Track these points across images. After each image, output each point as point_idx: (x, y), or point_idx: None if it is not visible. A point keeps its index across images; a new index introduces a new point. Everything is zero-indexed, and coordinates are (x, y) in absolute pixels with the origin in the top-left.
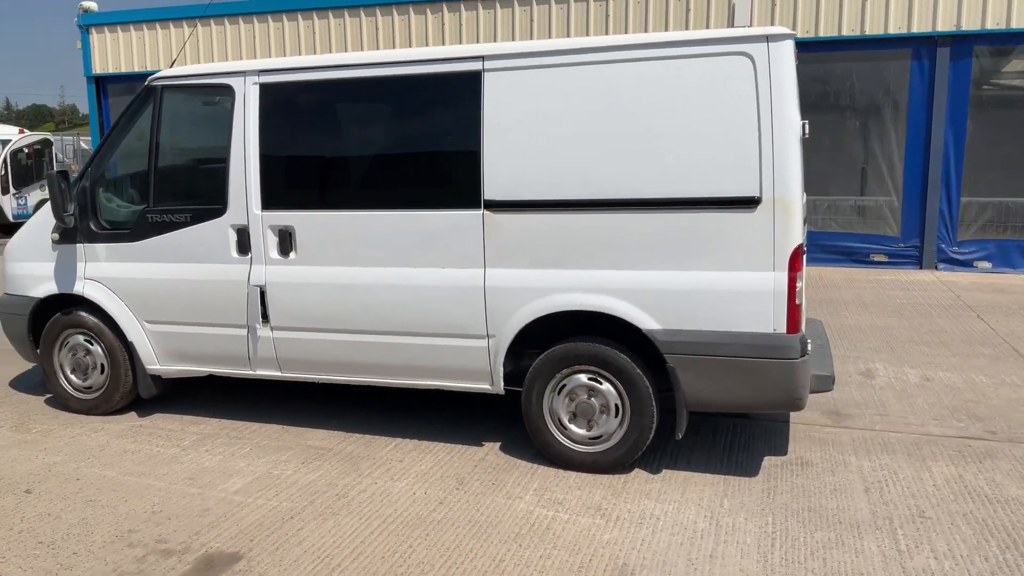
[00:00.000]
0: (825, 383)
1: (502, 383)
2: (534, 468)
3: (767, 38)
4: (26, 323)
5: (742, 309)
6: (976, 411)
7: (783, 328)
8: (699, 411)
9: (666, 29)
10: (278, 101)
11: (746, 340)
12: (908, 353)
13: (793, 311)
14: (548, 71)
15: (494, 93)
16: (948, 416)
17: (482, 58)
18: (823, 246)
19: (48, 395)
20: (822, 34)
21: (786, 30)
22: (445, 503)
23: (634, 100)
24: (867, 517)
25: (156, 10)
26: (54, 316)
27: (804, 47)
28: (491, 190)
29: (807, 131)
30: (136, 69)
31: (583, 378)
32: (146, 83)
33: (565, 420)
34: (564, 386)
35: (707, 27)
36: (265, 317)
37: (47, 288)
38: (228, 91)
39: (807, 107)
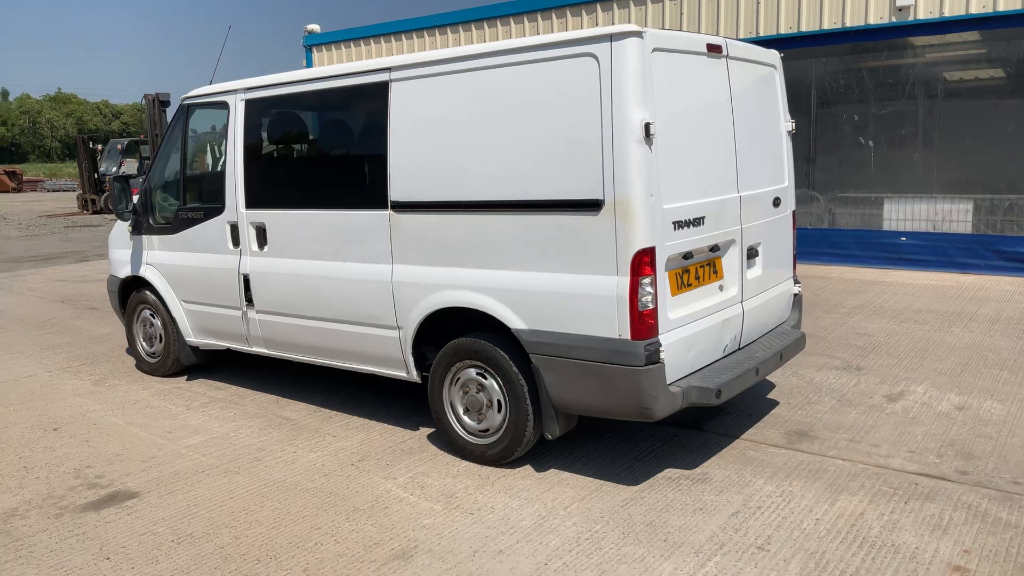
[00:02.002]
0: (706, 396)
1: (415, 372)
2: (436, 455)
3: (610, 37)
4: (117, 298)
5: (591, 313)
6: (976, 448)
7: (627, 334)
8: (569, 412)
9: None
10: (253, 115)
11: (594, 344)
12: (977, 377)
13: (636, 317)
14: (436, 79)
15: (398, 102)
16: (933, 450)
17: (389, 69)
18: (999, 252)
19: None
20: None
21: (633, 27)
22: (330, 475)
23: (498, 105)
24: (700, 540)
25: (371, 27)
26: (132, 293)
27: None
28: (395, 192)
29: (792, 128)
30: None
31: (472, 372)
32: (180, 100)
33: (460, 412)
34: (458, 379)
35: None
36: (250, 301)
37: (126, 270)
38: (225, 107)
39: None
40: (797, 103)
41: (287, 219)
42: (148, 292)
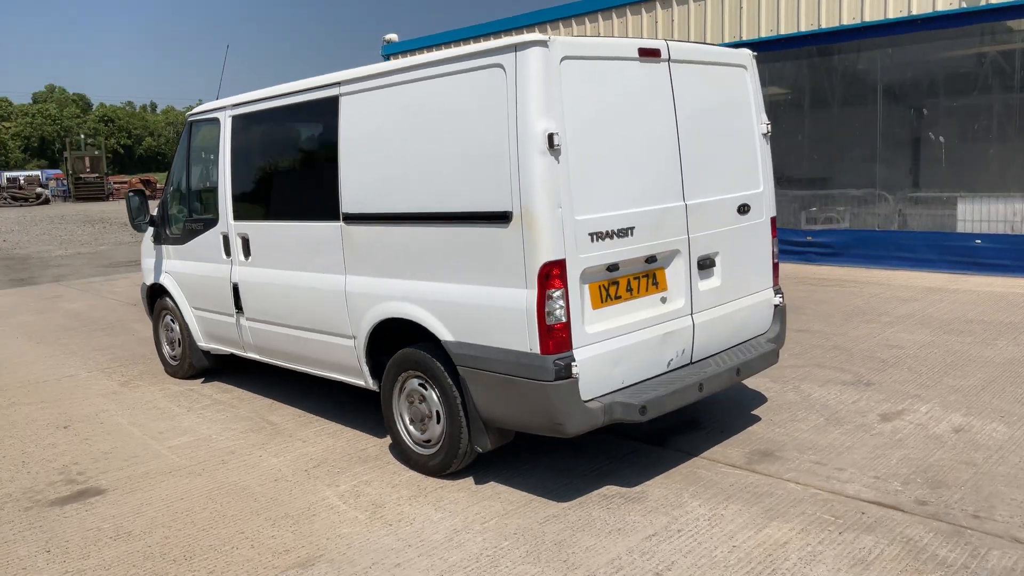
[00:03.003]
0: (630, 412)
1: (371, 380)
2: (388, 464)
3: (515, 47)
4: (146, 304)
5: (506, 326)
6: (951, 476)
7: (536, 348)
8: (496, 426)
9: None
10: (238, 130)
11: (510, 358)
12: (996, 397)
13: (545, 331)
14: (376, 93)
15: (346, 115)
16: (902, 476)
17: (339, 84)
18: None
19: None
20: None
21: (539, 37)
22: (280, 481)
23: (423, 117)
24: (600, 563)
25: (448, 33)
26: (157, 300)
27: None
28: (345, 204)
29: (768, 130)
30: None
31: (415, 383)
32: (186, 117)
33: (407, 421)
34: (405, 389)
35: None
36: (240, 308)
37: (151, 278)
38: (217, 123)
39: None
40: (863, 96)
41: (266, 230)
42: (168, 299)
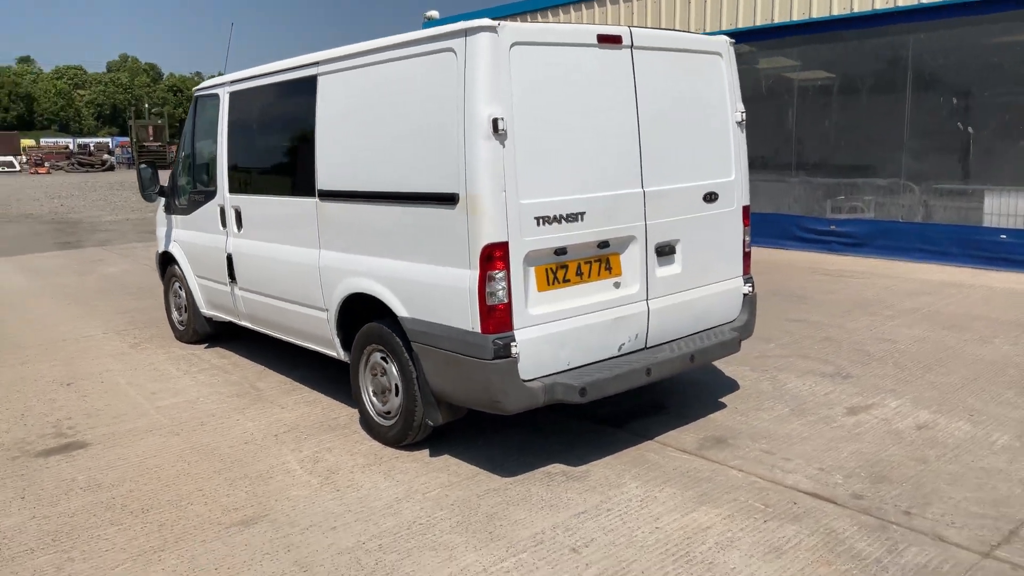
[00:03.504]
0: (571, 393)
1: (341, 351)
2: (354, 433)
3: (465, 32)
4: (158, 270)
5: (452, 304)
6: (897, 472)
7: (477, 327)
8: (445, 401)
9: None
10: (235, 106)
11: (455, 335)
12: (972, 395)
13: (485, 311)
14: (348, 73)
15: (323, 94)
16: (848, 470)
17: (318, 63)
18: None
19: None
20: None
21: (489, 23)
22: (249, 444)
23: (385, 99)
24: (523, 536)
25: (488, 11)
26: (167, 267)
27: None
28: (321, 180)
29: (742, 118)
30: None
31: (378, 356)
32: (192, 92)
33: (371, 393)
34: (369, 362)
35: None
36: (233, 278)
37: (162, 246)
38: (217, 99)
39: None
40: (892, 83)
41: (255, 204)
42: (176, 266)
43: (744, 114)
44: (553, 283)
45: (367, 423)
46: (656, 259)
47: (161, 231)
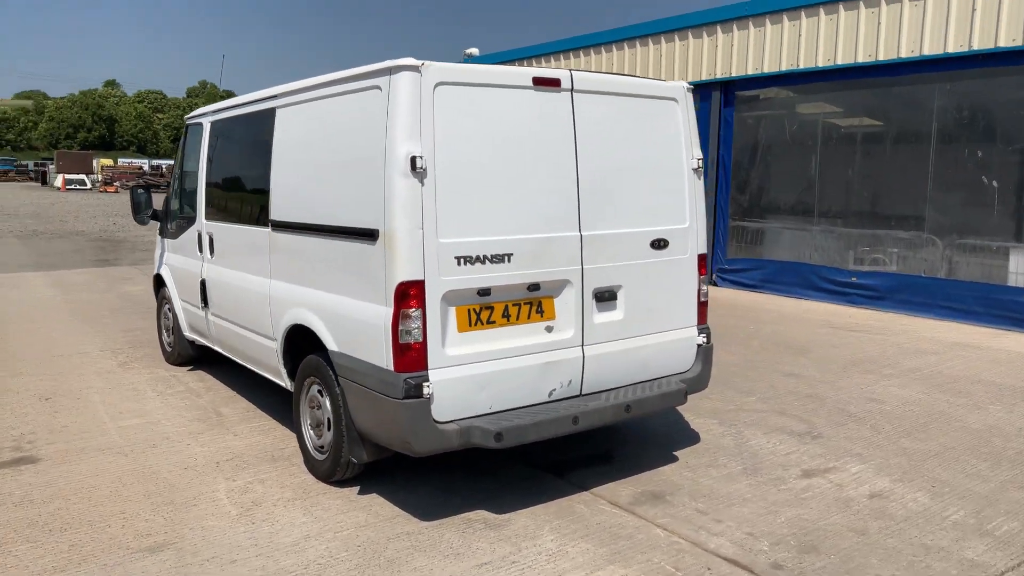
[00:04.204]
0: (486, 438)
1: (287, 381)
2: (293, 465)
3: (390, 71)
4: (154, 292)
5: (370, 340)
6: (831, 543)
7: (391, 365)
8: (368, 438)
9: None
10: (213, 136)
11: (372, 372)
12: (943, 465)
13: (398, 349)
14: (297, 107)
15: (280, 126)
16: (778, 537)
17: (276, 96)
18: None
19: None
20: None
21: (411, 62)
22: (188, 470)
23: (324, 133)
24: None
25: (525, 49)
26: (160, 288)
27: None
28: (273, 211)
29: (698, 165)
30: None
31: (315, 389)
32: (184, 120)
33: (309, 425)
34: (309, 394)
35: None
36: (206, 302)
37: (155, 268)
38: (201, 127)
39: None
40: (916, 133)
41: (224, 231)
42: (166, 288)
43: (701, 161)
44: (476, 324)
45: (304, 455)
46: (595, 304)
47: (156, 253)
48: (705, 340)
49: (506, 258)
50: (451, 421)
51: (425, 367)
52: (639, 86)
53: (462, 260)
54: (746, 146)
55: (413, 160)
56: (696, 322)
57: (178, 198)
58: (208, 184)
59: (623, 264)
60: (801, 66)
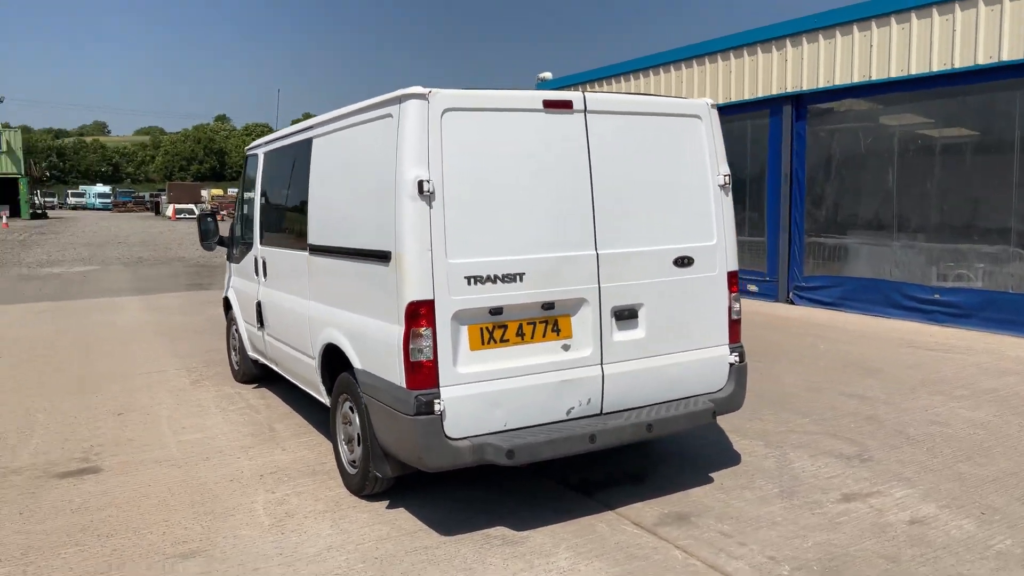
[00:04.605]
0: (498, 455)
1: (326, 398)
2: (331, 479)
3: (400, 99)
4: (224, 313)
5: (387, 359)
6: (854, 571)
7: (403, 382)
8: (390, 454)
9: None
10: (265, 166)
11: (388, 389)
12: (1003, 491)
13: (409, 367)
14: (328, 137)
15: (315, 155)
16: (801, 563)
17: (312, 127)
18: None
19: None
20: None
21: (419, 90)
22: (234, 481)
23: (351, 159)
24: None
25: (597, 71)
26: (228, 311)
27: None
28: (310, 235)
29: (725, 181)
30: None
31: (347, 406)
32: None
33: (343, 441)
34: (341, 410)
35: None
36: (262, 323)
37: (224, 291)
38: (257, 157)
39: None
40: (999, 143)
41: (274, 255)
42: (232, 311)
43: (728, 177)
44: (489, 343)
45: (340, 470)
46: (614, 323)
47: (226, 277)
48: (738, 359)
49: (518, 277)
50: (464, 438)
51: (436, 384)
52: (658, 105)
53: (472, 280)
54: (820, 160)
55: (420, 184)
56: (728, 340)
57: (240, 224)
58: (262, 211)
59: (644, 282)
60: (874, 77)
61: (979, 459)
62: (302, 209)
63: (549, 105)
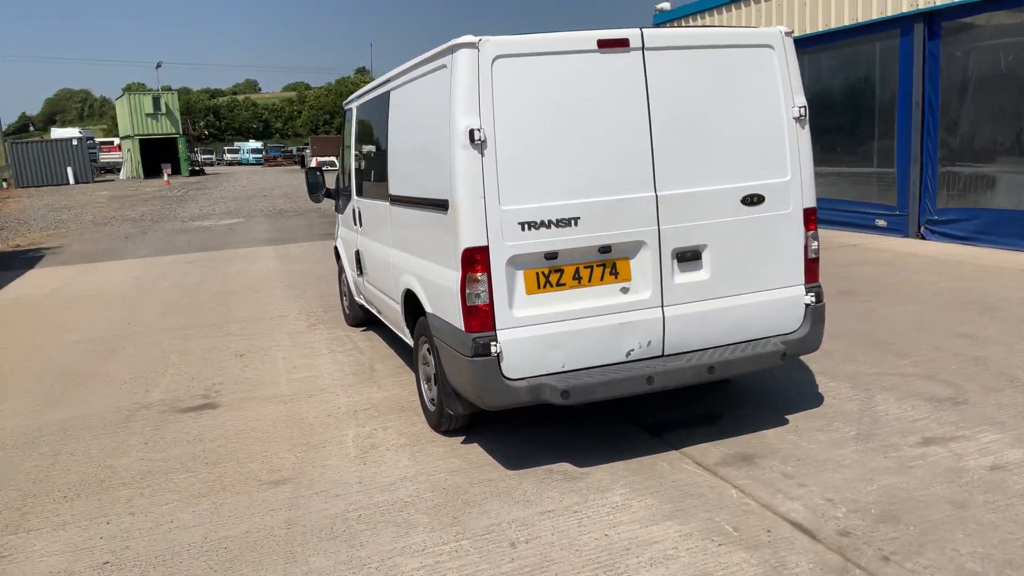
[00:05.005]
0: (554, 394)
1: (410, 340)
2: (416, 415)
3: (452, 49)
4: (336, 261)
5: (449, 303)
6: (916, 515)
7: (462, 325)
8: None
9: None
10: (358, 120)
11: (451, 332)
12: None
13: (467, 311)
14: (401, 89)
15: (392, 108)
16: (858, 504)
17: (389, 80)
18: None
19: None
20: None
21: (470, 39)
22: (331, 416)
23: (415, 113)
24: (486, 524)
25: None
26: (338, 260)
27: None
28: (391, 186)
29: (800, 113)
30: None
31: (425, 348)
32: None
33: (424, 380)
34: (421, 351)
35: None
36: (361, 270)
37: (335, 240)
38: (352, 112)
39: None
40: None
41: (367, 206)
42: (340, 259)
43: (805, 109)
44: (545, 287)
45: (422, 407)
46: (676, 265)
47: (335, 228)
48: (814, 299)
49: (573, 222)
50: (522, 378)
51: (493, 327)
52: (725, 36)
53: (526, 225)
54: (955, 83)
55: (472, 132)
56: (804, 280)
57: (343, 177)
58: (357, 164)
59: (708, 223)
60: None
61: None
62: (384, 161)
63: (604, 44)
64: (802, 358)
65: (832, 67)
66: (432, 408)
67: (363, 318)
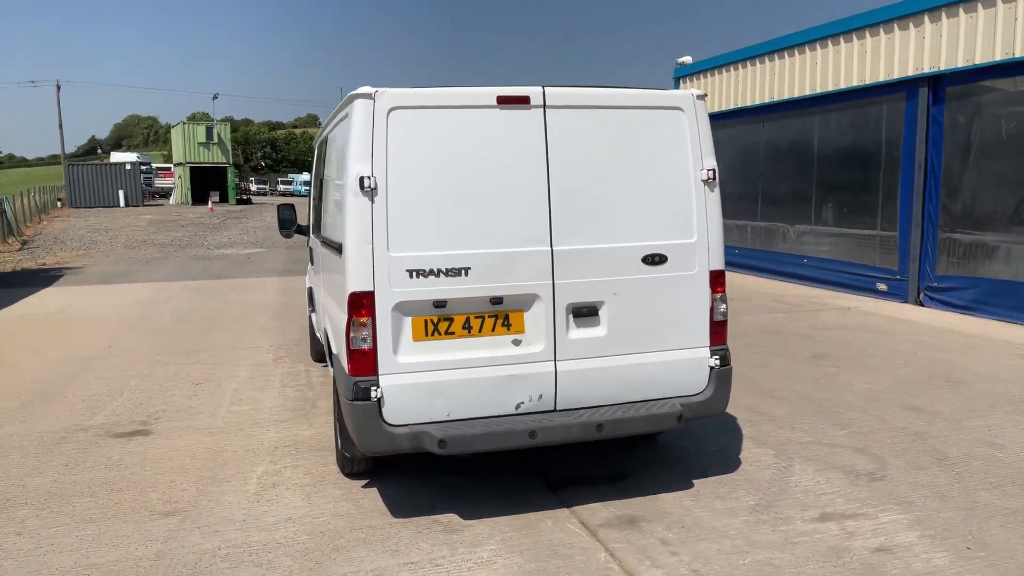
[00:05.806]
0: (431, 443)
1: None
2: (328, 455)
3: (352, 98)
4: (307, 300)
5: (342, 346)
6: None
7: (347, 368)
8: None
9: None
10: (316, 158)
11: (340, 374)
12: (1017, 523)
13: (350, 355)
14: (330, 134)
15: (329, 150)
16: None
17: (329, 122)
18: None
19: None
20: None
21: (367, 90)
22: (251, 451)
23: (332, 157)
24: (339, 573)
25: (742, 51)
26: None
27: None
28: (321, 227)
29: (709, 176)
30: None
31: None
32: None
33: (336, 421)
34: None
35: None
36: (312, 305)
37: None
38: (315, 149)
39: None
40: None
41: (315, 244)
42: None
43: (714, 172)
44: (433, 334)
45: (336, 449)
46: (572, 320)
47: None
48: (719, 362)
49: (463, 272)
50: (404, 424)
51: (375, 372)
52: (633, 98)
53: (415, 273)
54: (958, 148)
55: (362, 180)
56: (709, 342)
57: (309, 212)
58: (312, 202)
59: (606, 279)
60: (1017, 54)
61: (1010, 488)
62: (320, 202)
63: (503, 101)
64: (738, 421)
65: (841, 127)
66: (338, 450)
67: (324, 353)
